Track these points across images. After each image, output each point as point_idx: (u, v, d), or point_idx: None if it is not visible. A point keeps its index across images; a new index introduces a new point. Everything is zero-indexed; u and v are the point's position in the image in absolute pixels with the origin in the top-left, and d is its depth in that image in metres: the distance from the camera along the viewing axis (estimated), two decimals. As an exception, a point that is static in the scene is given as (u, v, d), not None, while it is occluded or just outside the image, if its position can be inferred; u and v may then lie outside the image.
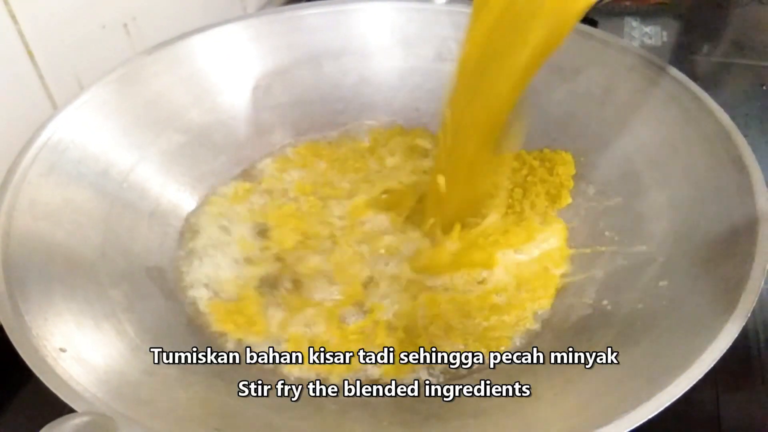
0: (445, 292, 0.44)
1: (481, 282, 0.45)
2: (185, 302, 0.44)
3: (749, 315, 0.31)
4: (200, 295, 0.44)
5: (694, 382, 0.29)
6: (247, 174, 0.54)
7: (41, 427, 0.26)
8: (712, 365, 0.30)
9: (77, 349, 0.34)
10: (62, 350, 0.33)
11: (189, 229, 0.49)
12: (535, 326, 0.42)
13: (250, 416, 0.35)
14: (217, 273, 0.46)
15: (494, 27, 0.37)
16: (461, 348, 0.41)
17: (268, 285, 0.45)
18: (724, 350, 0.30)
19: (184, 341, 0.40)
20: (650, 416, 0.28)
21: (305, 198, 0.51)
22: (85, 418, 0.27)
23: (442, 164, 0.46)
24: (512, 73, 0.38)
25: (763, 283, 0.33)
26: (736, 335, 0.31)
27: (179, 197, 0.50)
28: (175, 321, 0.42)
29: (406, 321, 0.42)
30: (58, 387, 0.30)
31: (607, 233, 0.45)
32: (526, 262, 0.45)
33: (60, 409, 0.29)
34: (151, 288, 0.43)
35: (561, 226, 0.48)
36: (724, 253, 0.36)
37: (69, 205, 0.42)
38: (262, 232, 0.49)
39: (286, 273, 0.46)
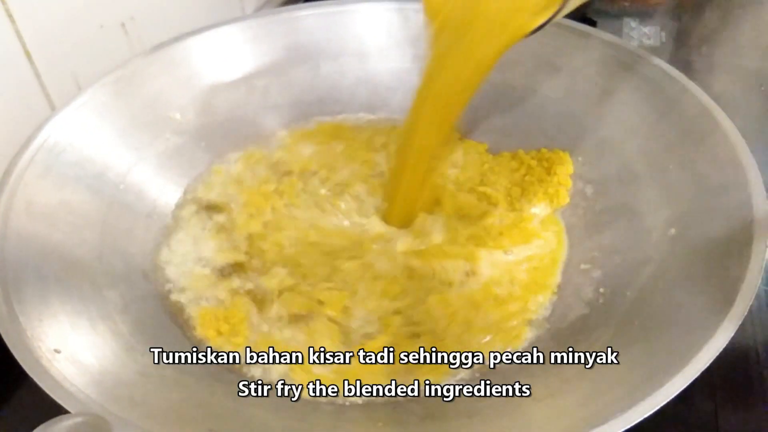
0: (450, 289, 0.44)
1: (472, 274, 0.44)
2: (166, 300, 0.43)
3: (746, 314, 0.31)
4: (179, 296, 0.43)
5: (690, 381, 0.29)
6: (261, 142, 0.54)
7: (34, 428, 0.26)
8: (708, 364, 0.30)
9: (72, 350, 0.34)
10: (57, 351, 0.33)
11: (174, 216, 0.49)
12: (541, 316, 0.42)
13: (244, 417, 0.34)
14: (190, 271, 0.45)
15: (453, 38, 0.40)
16: (494, 342, 0.41)
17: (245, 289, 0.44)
18: (721, 349, 0.30)
19: (179, 342, 0.40)
20: (646, 416, 0.28)
21: (290, 180, 0.51)
22: (78, 419, 0.27)
23: (402, 153, 0.47)
24: (464, 76, 0.41)
25: (759, 281, 0.33)
26: (733, 334, 0.31)
27: (176, 199, 0.50)
28: (171, 322, 0.41)
29: (427, 326, 0.42)
30: (52, 388, 0.30)
31: (604, 233, 0.45)
32: (516, 261, 0.45)
33: (54, 410, 0.29)
34: (147, 289, 0.43)
35: (559, 228, 0.48)
36: (722, 252, 0.36)
37: (65, 206, 0.42)
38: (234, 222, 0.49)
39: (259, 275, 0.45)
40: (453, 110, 0.43)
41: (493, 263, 0.45)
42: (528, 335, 0.41)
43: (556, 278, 0.44)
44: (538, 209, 0.49)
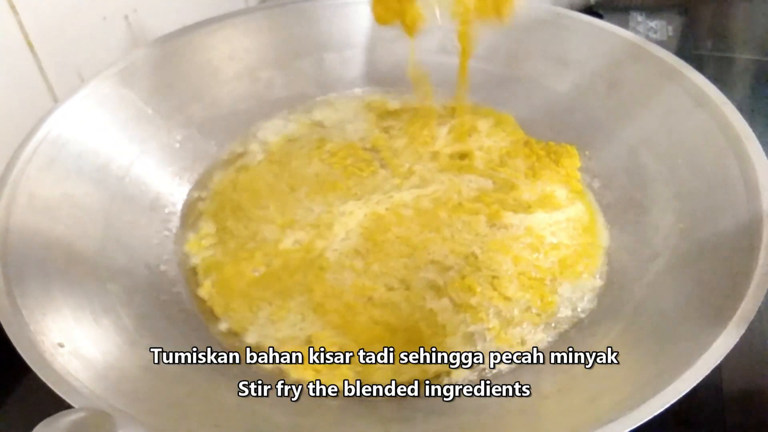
0: (502, 232, 0.45)
1: (502, 227, 0.45)
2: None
3: (756, 310, 0.31)
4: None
5: (701, 378, 0.29)
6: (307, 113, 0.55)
7: (38, 423, 0.25)
8: (718, 361, 0.29)
9: (75, 345, 0.33)
10: (60, 345, 0.33)
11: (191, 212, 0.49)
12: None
13: (249, 412, 0.34)
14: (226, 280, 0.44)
15: None
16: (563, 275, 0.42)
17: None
18: (730, 347, 0.30)
19: (184, 337, 0.39)
20: (655, 413, 0.28)
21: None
22: (81, 414, 0.27)
23: None
24: None
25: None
26: (743, 331, 0.30)
27: (180, 192, 0.49)
28: (175, 316, 0.41)
29: (496, 269, 0.43)
30: (56, 382, 0.30)
31: (612, 228, 0.45)
32: (553, 221, 0.46)
33: (58, 404, 0.29)
34: (151, 283, 0.42)
35: (585, 200, 0.48)
36: (730, 247, 0.36)
37: (68, 199, 0.42)
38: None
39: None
40: None
41: (526, 221, 0.45)
42: (601, 261, 0.43)
43: (600, 239, 0.45)
44: (557, 187, 0.48)
